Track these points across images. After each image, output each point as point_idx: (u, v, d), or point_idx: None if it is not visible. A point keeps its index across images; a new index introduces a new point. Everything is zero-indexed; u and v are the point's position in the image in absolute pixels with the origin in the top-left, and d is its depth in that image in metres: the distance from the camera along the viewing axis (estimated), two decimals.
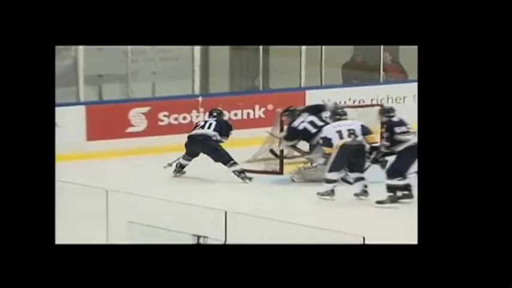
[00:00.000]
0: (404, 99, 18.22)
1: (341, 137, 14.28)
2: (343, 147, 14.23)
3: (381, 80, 19.57)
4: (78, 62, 17.57)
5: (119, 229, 9.62)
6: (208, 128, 15.51)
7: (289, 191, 14.48)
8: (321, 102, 15.99)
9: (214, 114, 15.86)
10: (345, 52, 20.60)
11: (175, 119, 17.13)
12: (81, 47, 17.43)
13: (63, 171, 13.73)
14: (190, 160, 15.52)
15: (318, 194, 14.17)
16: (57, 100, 17.29)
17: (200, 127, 15.62)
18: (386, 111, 14.42)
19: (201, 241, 9.04)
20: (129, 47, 17.84)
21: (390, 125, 14.15)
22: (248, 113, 17.70)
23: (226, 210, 9.29)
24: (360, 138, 14.32)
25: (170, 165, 15.48)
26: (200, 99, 16.96)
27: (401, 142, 13.96)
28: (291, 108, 15.66)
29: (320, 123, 15.15)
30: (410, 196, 13.74)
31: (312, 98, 17.46)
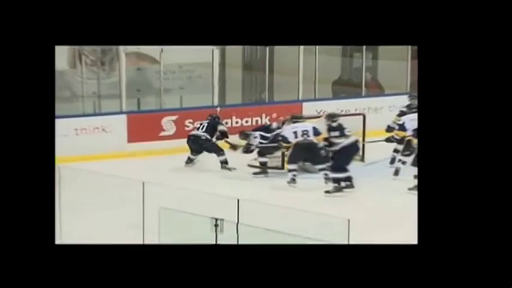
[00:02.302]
0: (381, 110, 18.17)
1: (296, 137, 14.47)
2: (297, 145, 14.41)
3: (363, 94, 19.52)
4: (121, 80, 17.54)
5: (153, 213, 9.58)
6: (202, 129, 15.77)
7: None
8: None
9: (209, 118, 16.03)
10: (334, 72, 20.65)
11: None
12: (123, 68, 17.47)
13: (109, 167, 13.81)
14: (195, 155, 15.75)
15: (287, 182, 14.32)
16: (104, 110, 17.71)
17: (196, 129, 15.95)
18: (330, 117, 14.46)
19: (218, 223, 9.01)
20: (162, 68, 17.89)
21: (328, 129, 14.23)
22: (257, 120, 17.62)
23: (238, 198, 9.28)
24: (311, 137, 14.39)
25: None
26: (218, 109, 16.90)
27: (335, 144, 14.02)
28: (245, 132, 15.85)
29: (268, 134, 15.40)
30: (351, 186, 13.87)
31: (308, 108, 17.49)
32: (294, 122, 14.86)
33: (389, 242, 10.29)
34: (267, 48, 19.32)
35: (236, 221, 8.99)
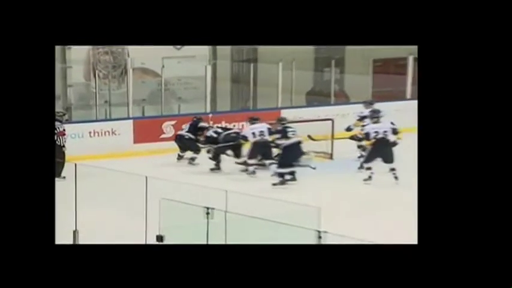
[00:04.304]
0: (347, 115, 18.11)
1: (254, 136, 14.59)
2: (255, 143, 14.57)
3: (332, 103, 19.51)
4: (128, 91, 17.53)
5: (155, 203, 9.50)
6: (186, 130, 15.76)
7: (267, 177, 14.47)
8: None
9: (194, 119, 15.95)
10: (308, 84, 20.64)
11: None
12: (131, 81, 17.44)
13: (118, 164, 13.73)
14: (183, 152, 15.74)
15: (247, 174, 14.52)
16: (114, 116, 17.69)
17: (181, 130, 15.93)
18: (279, 121, 14.63)
19: (210, 211, 8.93)
20: (163, 81, 17.89)
21: (275, 131, 14.38)
22: (242, 124, 17.52)
23: (226, 189, 9.24)
24: (267, 137, 14.51)
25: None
26: (211, 115, 16.92)
27: (279, 144, 14.16)
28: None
29: (220, 131, 15.47)
30: (294, 179, 13.94)
31: (286, 114, 17.40)
32: (252, 124, 14.92)
33: (354, 225, 10.38)
34: (252, 65, 19.37)
35: (225, 209, 8.94)
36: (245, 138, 14.77)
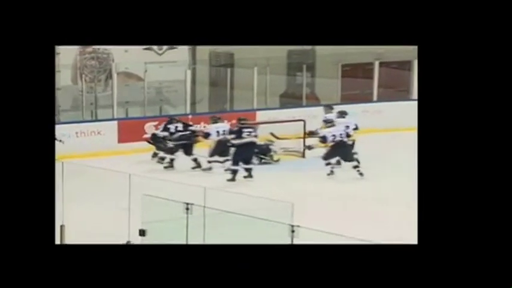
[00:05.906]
0: (318, 117, 18.08)
1: (218, 135, 14.68)
2: (219, 142, 14.66)
3: (304, 104, 19.49)
4: (113, 93, 17.47)
5: (137, 199, 9.43)
6: (160, 130, 15.60)
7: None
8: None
9: (168, 119, 15.81)
10: (281, 87, 20.62)
11: None
12: (115, 85, 17.34)
13: (103, 163, 13.62)
14: (158, 150, 15.55)
15: (202, 169, 14.61)
16: (99, 117, 17.58)
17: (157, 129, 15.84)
18: (238, 120, 14.66)
19: (189, 206, 8.86)
20: (146, 84, 17.81)
21: (230, 131, 14.57)
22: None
23: (205, 186, 9.19)
24: (228, 136, 14.56)
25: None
26: (190, 116, 16.87)
27: (233, 144, 14.22)
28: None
29: (180, 128, 15.31)
30: (250, 176, 14.00)
31: (261, 116, 17.45)
32: (214, 122, 14.93)
33: (326, 219, 10.36)
34: (229, 69, 19.32)
35: (203, 205, 8.88)
36: (207, 136, 14.75)
